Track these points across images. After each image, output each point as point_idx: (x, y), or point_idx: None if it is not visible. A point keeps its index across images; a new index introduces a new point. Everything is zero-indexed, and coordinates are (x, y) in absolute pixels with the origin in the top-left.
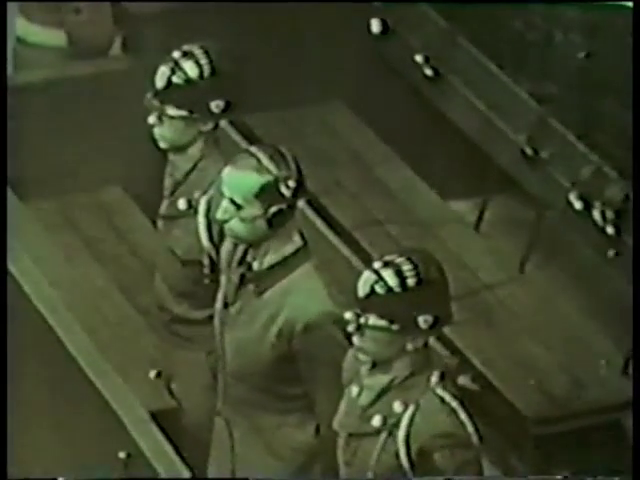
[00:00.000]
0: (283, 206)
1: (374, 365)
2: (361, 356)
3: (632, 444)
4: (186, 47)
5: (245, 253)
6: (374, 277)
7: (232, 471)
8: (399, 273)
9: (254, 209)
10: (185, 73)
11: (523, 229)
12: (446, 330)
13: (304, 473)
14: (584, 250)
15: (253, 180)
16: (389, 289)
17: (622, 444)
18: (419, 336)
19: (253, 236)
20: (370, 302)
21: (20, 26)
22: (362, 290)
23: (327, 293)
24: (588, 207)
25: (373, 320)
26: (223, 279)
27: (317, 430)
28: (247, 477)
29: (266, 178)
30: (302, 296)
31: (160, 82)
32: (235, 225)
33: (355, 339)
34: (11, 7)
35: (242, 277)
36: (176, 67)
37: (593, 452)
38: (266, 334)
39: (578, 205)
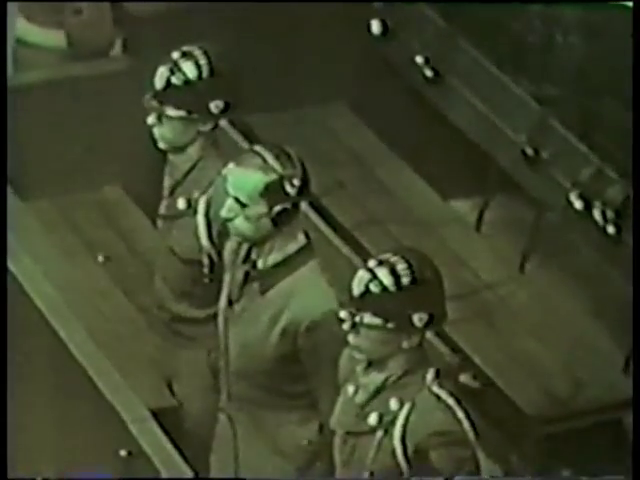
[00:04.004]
0: (288, 205)
1: (370, 364)
2: (356, 355)
3: (632, 443)
4: (185, 48)
5: (249, 251)
6: (369, 276)
7: (235, 468)
8: (394, 272)
9: (259, 208)
10: (184, 74)
11: (523, 229)
12: (447, 329)
13: (307, 471)
14: (584, 250)
15: (258, 179)
16: (384, 288)
17: (623, 443)
18: (414, 334)
19: (258, 235)
20: (365, 301)
21: (20, 26)
22: (357, 289)
23: (331, 292)
24: (588, 207)
25: (368, 319)
26: (227, 277)
27: (320, 428)
28: (251, 476)
29: (271, 177)
30: (306, 295)
31: (159, 83)
32: (240, 223)
33: (350, 338)
34: (11, 7)
35: (246, 275)
36: (175, 68)
37: (594, 451)
38: (270, 332)
39: (578, 205)
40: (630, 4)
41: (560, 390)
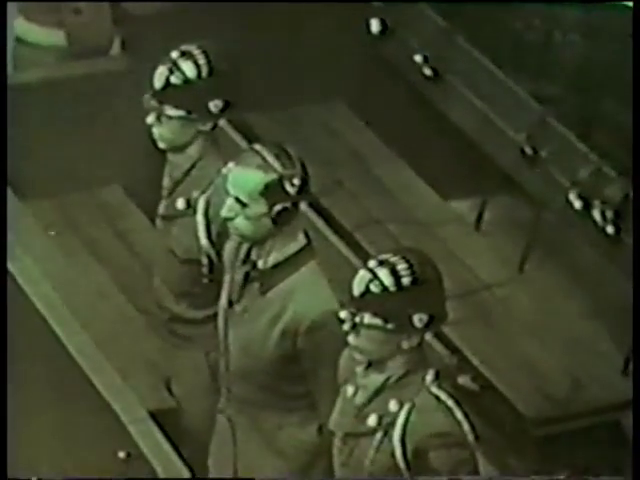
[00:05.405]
0: (288, 204)
1: (369, 364)
2: (356, 355)
3: (632, 444)
4: (184, 47)
5: (249, 251)
6: (369, 276)
7: (234, 469)
8: (394, 272)
9: (259, 207)
10: (183, 73)
11: (523, 229)
12: (445, 329)
13: (307, 472)
14: (584, 249)
15: (258, 178)
16: (384, 288)
17: (622, 444)
18: (414, 335)
19: (258, 234)
20: (365, 301)
21: (19, 26)
22: (357, 289)
23: (332, 292)
24: (588, 206)
25: (368, 319)
26: (227, 277)
27: (320, 429)
28: (250, 476)
29: (271, 176)
30: (307, 295)
31: (158, 82)
32: (240, 223)
33: (350, 338)
34: (11, 7)
35: (246, 275)
36: (174, 67)
37: (593, 452)
38: (270, 333)
39: (578, 204)
40: (630, 4)
41: (559, 391)
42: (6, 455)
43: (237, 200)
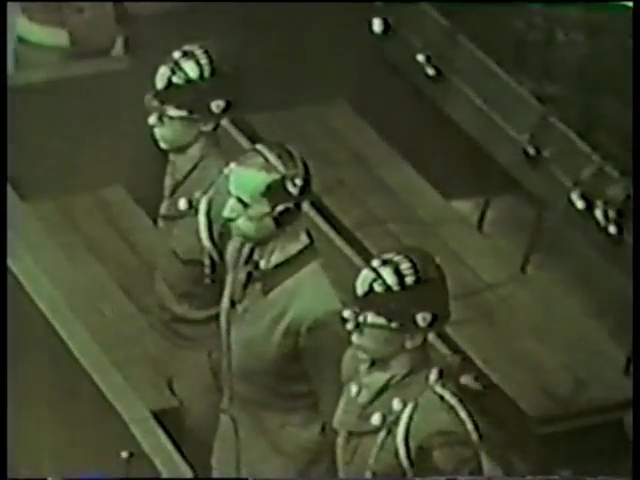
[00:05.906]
0: (290, 204)
1: (373, 363)
2: (360, 354)
3: (632, 443)
4: (186, 47)
5: (252, 251)
6: (373, 275)
7: (237, 469)
8: (397, 271)
9: (261, 207)
10: (185, 73)
11: (525, 228)
12: (448, 329)
13: (309, 471)
14: (586, 249)
15: (260, 178)
16: (388, 287)
17: (624, 443)
18: (418, 334)
19: (260, 234)
20: (369, 300)
21: (21, 25)
22: (361, 288)
23: (334, 292)
24: (590, 206)
25: (372, 318)
26: (229, 278)
27: (322, 428)
28: (252, 476)
29: (273, 176)
30: (309, 295)
31: (160, 82)
32: (242, 223)
33: (354, 337)
34: (12, 7)
35: (249, 276)
36: (176, 67)
37: (595, 451)
38: (273, 332)
39: (580, 204)
40: (630, 4)
41: (561, 390)
42: (6, 455)
43: (239, 200)
